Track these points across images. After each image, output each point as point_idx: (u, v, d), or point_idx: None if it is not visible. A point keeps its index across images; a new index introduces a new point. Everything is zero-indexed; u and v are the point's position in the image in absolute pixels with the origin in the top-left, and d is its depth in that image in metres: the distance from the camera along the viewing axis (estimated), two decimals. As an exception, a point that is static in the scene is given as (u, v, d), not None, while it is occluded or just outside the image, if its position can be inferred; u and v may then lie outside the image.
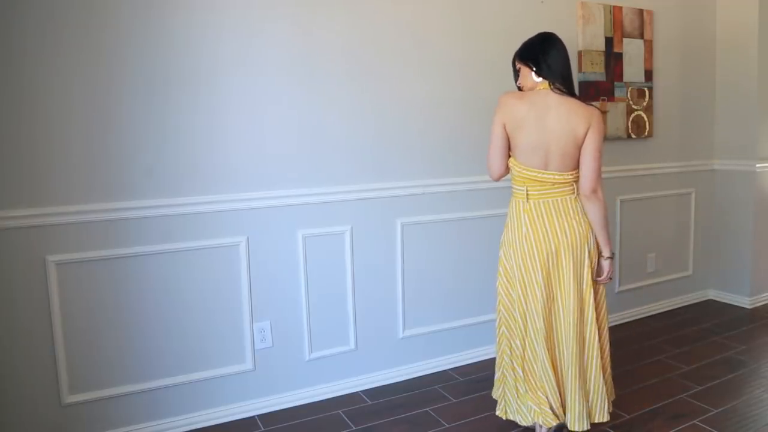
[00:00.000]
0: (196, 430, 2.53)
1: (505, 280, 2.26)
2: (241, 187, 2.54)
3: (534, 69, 2.14)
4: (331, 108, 2.69)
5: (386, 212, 2.87)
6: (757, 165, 3.86)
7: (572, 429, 2.19)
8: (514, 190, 2.22)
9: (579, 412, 2.16)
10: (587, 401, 2.19)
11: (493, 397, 2.41)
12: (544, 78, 2.13)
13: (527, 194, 2.15)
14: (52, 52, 2.17)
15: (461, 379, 2.98)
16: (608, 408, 2.23)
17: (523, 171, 2.13)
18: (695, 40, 3.91)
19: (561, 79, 2.13)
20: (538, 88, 2.15)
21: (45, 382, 2.27)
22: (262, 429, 2.53)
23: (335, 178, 2.73)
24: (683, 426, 2.47)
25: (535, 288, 2.14)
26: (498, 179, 2.25)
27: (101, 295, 2.33)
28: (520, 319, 2.20)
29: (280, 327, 2.68)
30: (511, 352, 2.25)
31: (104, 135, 2.28)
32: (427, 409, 2.68)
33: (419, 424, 2.55)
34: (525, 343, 2.20)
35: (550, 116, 2.09)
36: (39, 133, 2.18)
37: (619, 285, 3.74)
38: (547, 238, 2.13)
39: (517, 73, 2.26)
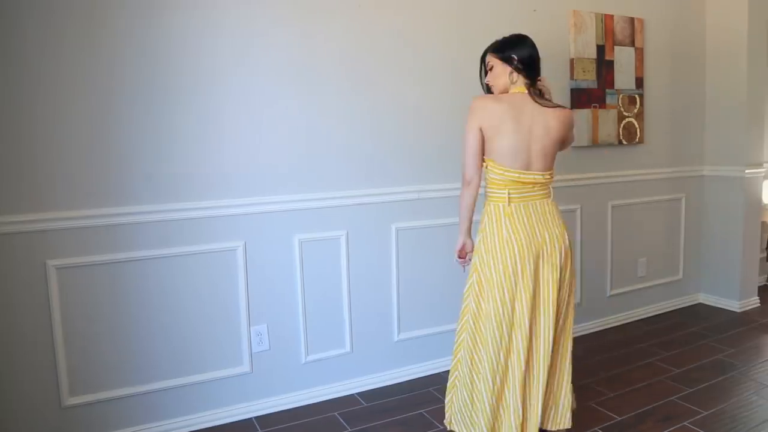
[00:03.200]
0: (193, 432, 2.57)
1: (477, 289, 2.14)
2: (239, 193, 2.57)
3: (515, 67, 2.11)
4: (328, 114, 2.73)
5: (381, 217, 2.91)
6: (746, 170, 3.92)
7: (557, 428, 2.22)
8: (491, 195, 2.14)
9: (560, 411, 2.21)
10: (557, 405, 2.22)
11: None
12: (523, 76, 2.12)
13: (509, 197, 2.10)
14: (51, 57, 2.20)
15: (455, 381, 3.01)
16: (570, 416, 2.24)
17: (505, 173, 2.08)
18: (685, 47, 3.97)
19: (537, 80, 2.14)
20: (512, 91, 2.13)
21: (45, 385, 2.30)
22: (260, 431, 2.56)
23: (331, 183, 2.77)
24: (673, 428, 2.51)
25: (523, 295, 2.07)
26: (474, 186, 2.13)
27: (101, 299, 2.36)
28: (498, 330, 2.08)
29: (277, 330, 2.72)
30: (471, 363, 2.15)
31: (103, 141, 2.31)
32: (422, 411, 2.71)
33: (414, 426, 2.58)
34: (509, 354, 2.10)
35: (526, 117, 2.07)
36: (39, 138, 2.21)
37: (611, 289, 3.79)
38: (530, 243, 2.07)
39: (485, 71, 2.22)
